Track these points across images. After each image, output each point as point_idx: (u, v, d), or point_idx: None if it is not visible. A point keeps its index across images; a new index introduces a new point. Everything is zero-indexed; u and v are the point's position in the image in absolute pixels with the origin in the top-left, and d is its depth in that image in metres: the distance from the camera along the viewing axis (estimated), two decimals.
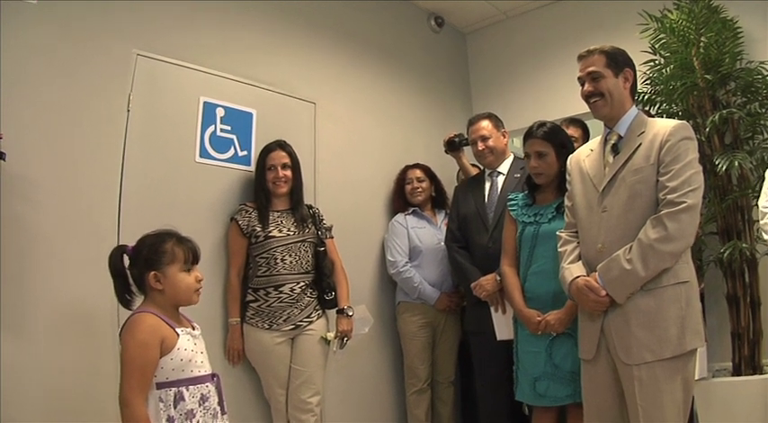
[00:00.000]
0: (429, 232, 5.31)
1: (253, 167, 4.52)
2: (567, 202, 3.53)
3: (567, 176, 3.54)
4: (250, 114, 4.66)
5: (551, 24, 6.44)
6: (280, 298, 4.20)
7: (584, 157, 3.44)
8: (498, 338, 4.24)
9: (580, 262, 3.31)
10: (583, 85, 3.33)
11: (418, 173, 5.49)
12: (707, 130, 4.63)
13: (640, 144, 3.16)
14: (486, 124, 4.75)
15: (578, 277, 3.19)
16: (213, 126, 4.43)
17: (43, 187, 3.57)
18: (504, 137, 4.84)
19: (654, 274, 2.98)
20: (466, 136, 5.26)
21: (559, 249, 3.47)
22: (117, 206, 3.87)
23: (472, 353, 4.81)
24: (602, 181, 3.23)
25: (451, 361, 5.29)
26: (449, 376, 5.27)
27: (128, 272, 2.86)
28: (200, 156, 4.33)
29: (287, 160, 4.41)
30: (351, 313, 4.50)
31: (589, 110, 3.37)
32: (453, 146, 5.36)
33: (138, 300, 2.88)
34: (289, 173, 4.40)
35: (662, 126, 3.16)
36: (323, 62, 5.39)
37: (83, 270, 3.63)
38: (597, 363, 3.17)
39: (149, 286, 2.80)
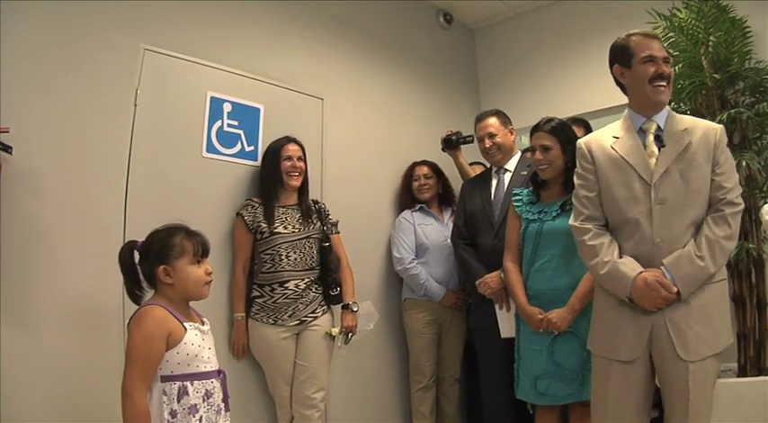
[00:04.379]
0: (436, 229, 5.29)
1: (260, 163, 4.53)
2: (586, 193, 3.29)
3: (586, 164, 3.32)
4: (257, 110, 4.66)
5: (560, 22, 6.43)
6: (285, 294, 4.20)
7: (609, 144, 3.25)
8: (502, 336, 4.25)
9: (630, 257, 3.15)
10: (655, 63, 3.17)
11: (425, 169, 5.47)
12: None
13: (690, 141, 3.09)
14: (493, 121, 4.74)
15: (643, 272, 3.03)
16: (220, 121, 4.44)
17: (50, 181, 3.58)
18: (512, 134, 4.82)
19: (718, 270, 2.99)
20: (463, 134, 5.27)
21: (590, 243, 3.20)
22: (123, 200, 3.88)
23: (477, 350, 4.80)
24: (651, 172, 3.08)
25: (457, 358, 5.27)
26: (454, 373, 5.25)
27: (138, 267, 2.88)
28: (207, 151, 4.34)
29: (300, 154, 4.45)
30: (356, 309, 4.50)
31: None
32: (450, 144, 5.36)
33: (148, 295, 2.90)
34: (303, 165, 4.44)
35: (709, 126, 3.17)
36: (331, 58, 5.40)
37: (88, 264, 3.64)
38: (639, 364, 3.07)
39: (159, 280, 2.83)
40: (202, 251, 2.93)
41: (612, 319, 3.17)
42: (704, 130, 3.12)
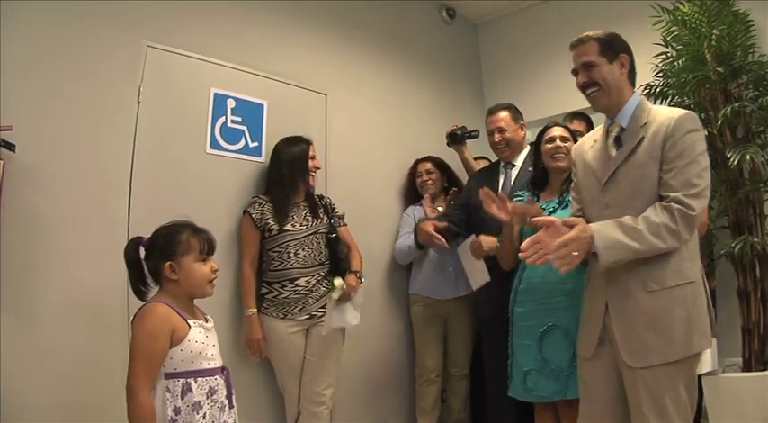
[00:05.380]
0: None
1: (264, 159, 4.55)
2: (573, 194, 3.42)
3: (573, 167, 3.41)
4: (261, 106, 4.66)
5: (564, 16, 6.40)
6: (295, 290, 4.21)
7: (588, 147, 3.25)
8: (473, 288, 4.43)
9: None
10: (577, 75, 3.15)
11: (428, 166, 5.45)
12: (719, 123, 4.60)
13: (643, 137, 2.95)
14: (504, 115, 4.72)
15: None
16: (224, 117, 4.45)
17: (53, 178, 3.60)
18: (522, 129, 4.80)
19: (643, 254, 2.78)
20: (468, 129, 5.25)
21: None
22: (127, 197, 3.89)
23: (483, 343, 4.80)
24: (604, 176, 3.04)
25: (464, 353, 5.21)
26: (462, 368, 5.19)
27: (143, 263, 2.89)
28: (211, 147, 4.35)
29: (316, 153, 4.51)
30: (363, 279, 4.47)
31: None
32: (455, 139, 5.36)
33: (153, 291, 2.91)
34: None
35: (666, 117, 2.94)
36: (334, 54, 5.39)
37: (92, 260, 3.66)
38: (598, 360, 3.04)
39: (164, 276, 2.84)
40: (208, 248, 2.94)
41: (583, 317, 3.20)
42: (660, 122, 2.93)
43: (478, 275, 4.33)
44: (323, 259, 4.37)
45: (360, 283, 4.42)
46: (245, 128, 4.56)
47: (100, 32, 3.90)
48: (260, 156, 4.58)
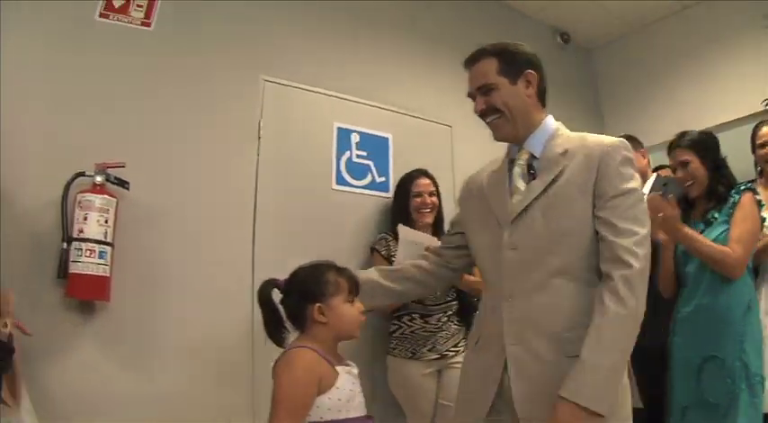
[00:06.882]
0: None
1: (391, 194, 4.48)
2: (450, 230, 3.11)
3: (460, 200, 2.96)
4: (386, 139, 4.64)
5: (678, 35, 6.28)
6: (425, 327, 4.07)
7: (485, 180, 2.76)
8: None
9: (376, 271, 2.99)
10: (474, 99, 2.65)
11: None
12: None
13: (566, 167, 2.44)
14: None
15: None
16: (349, 152, 4.43)
17: (169, 216, 3.62)
18: (644, 157, 4.62)
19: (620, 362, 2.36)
20: None
21: None
22: (251, 235, 3.88)
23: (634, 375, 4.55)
24: (509, 212, 2.50)
25: None
26: None
27: (279, 307, 2.74)
28: (337, 183, 4.33)
29: (433, 188, 4.33)
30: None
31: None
32: None
33: (292, 336, 2.76)
34: (435, 200, 4.31)
35: (595, 144, 2.46)
36: (457, 84, 5.18)
37: (214, 303, 3.66)
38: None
39: (312, 319, 2.66)
40: (355, 288, 2.78)
41: (467, 372, 2.69)
42: (589, 150, 2.44)
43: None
44: (453, 296, 4.22)
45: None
46: (370, 162, 4.53)
47: (216, 67, 3.95)
48: (387, 191, 4.54)
